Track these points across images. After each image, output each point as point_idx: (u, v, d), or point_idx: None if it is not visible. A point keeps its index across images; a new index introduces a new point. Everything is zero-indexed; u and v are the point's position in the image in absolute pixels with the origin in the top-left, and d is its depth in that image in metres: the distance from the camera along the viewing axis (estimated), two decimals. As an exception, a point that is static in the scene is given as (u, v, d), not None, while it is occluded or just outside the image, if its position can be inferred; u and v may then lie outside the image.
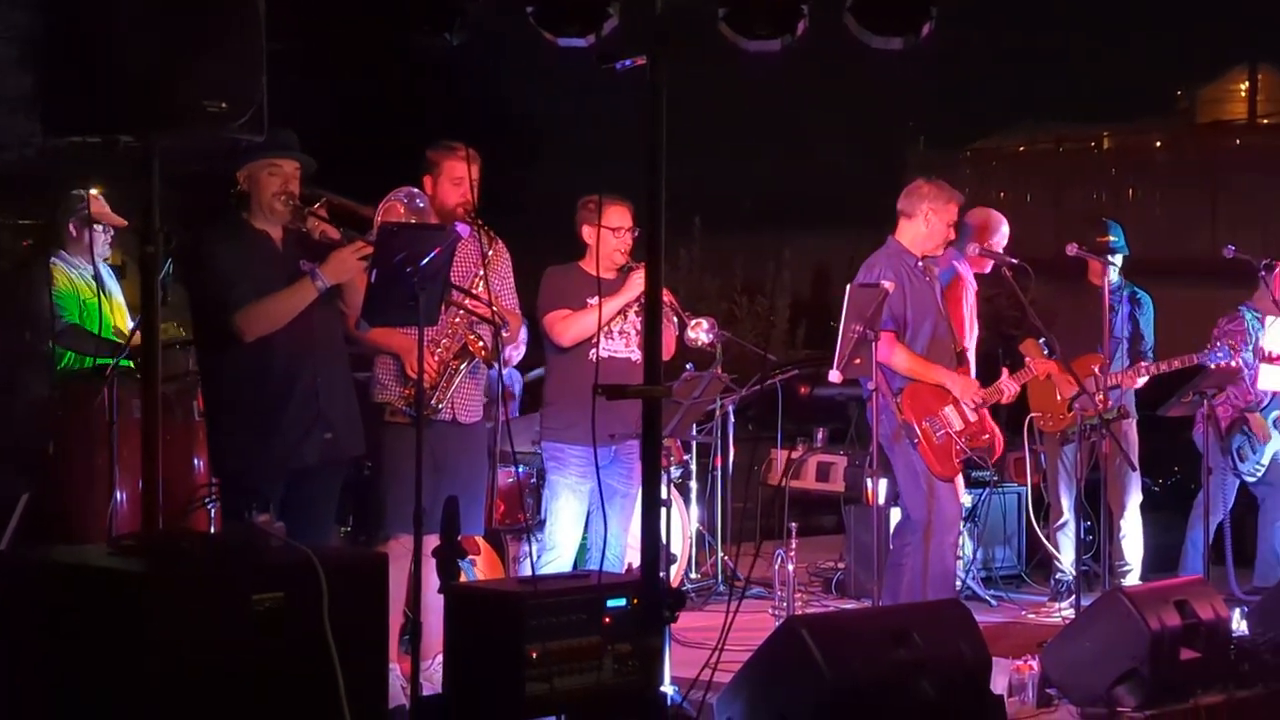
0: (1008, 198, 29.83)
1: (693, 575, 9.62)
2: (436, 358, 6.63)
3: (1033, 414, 9.14)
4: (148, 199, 4.54)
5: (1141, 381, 8.90)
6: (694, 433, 9.63)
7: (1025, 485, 9.84)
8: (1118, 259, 8.95)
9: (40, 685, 4.41)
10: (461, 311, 6.67)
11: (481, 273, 6.66)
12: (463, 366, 6.70)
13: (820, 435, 10.96)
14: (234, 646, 4.22)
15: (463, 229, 6.53)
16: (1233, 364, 8.63)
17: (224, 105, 4.51)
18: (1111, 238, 8.91)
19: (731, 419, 9.95)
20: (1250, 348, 9.39)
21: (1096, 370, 8.49)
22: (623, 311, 7.51)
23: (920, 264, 7.86)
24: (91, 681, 4.27)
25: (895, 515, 8.28)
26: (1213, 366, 8.61)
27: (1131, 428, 9.01)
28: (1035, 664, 6.64)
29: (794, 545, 8.23)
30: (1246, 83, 34.46)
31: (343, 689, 4.29)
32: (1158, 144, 31.03)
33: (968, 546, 9.48)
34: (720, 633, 5.30)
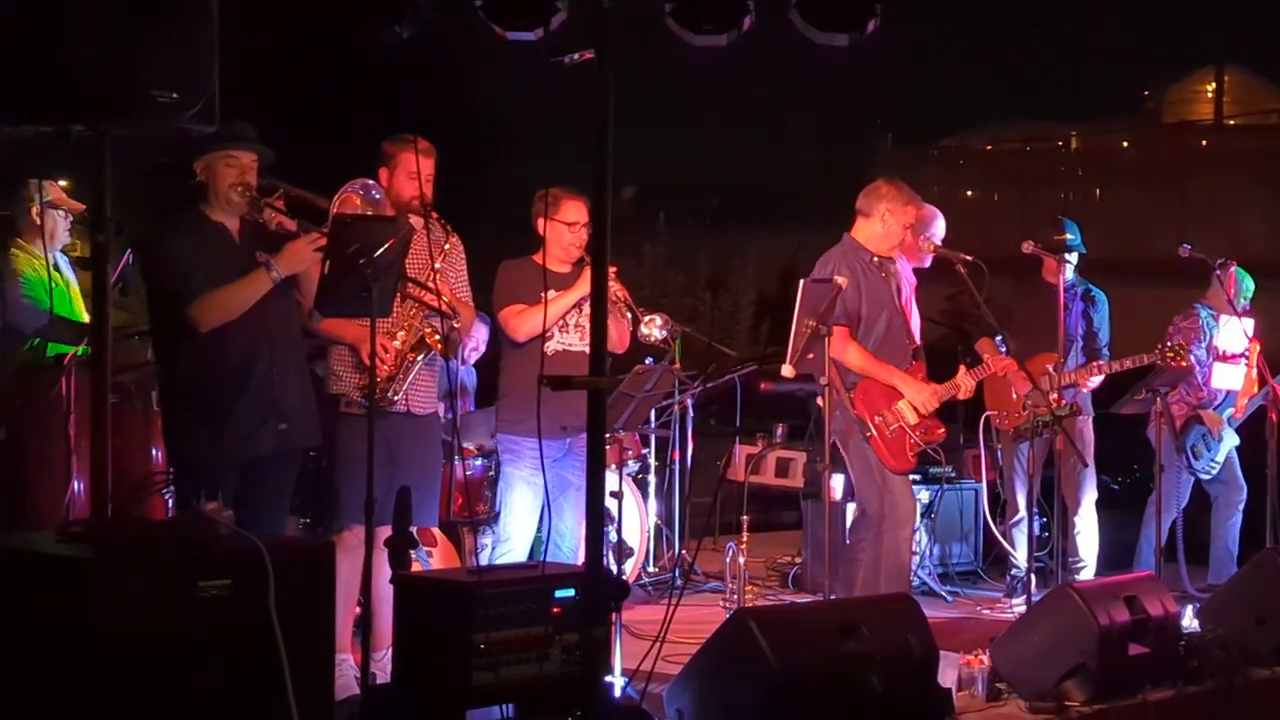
0: (975, 196, 30.00)
1: (650, 569, 9.67)
2: (393, 350, 6.65)
3: (988, 412, 9.19)
4: (99, 188, 4.56)
5: (1096, 381, 8.95)
6: (652, 426, 9.69)
7: (981, 482, 9.90)
8: (1073, 257, 9.00)
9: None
10: (416, 304, 6.69)
11: (437, 266, 6.68)
12: (419, 358, 6.72)
13: (780, 431, 10.99)
14: (180, 633, 4.24)
15: (416, 222, 6.56)
16: (1184, 363, 8.70)
17: (175, 95, 4.53)
18: (1068, 236, 8.94)
19: (691, 414, 10.01)
20: (1204, 345, 9.48)
21: (1051, 368, 8.55)
22: (578, 305, 7.54)
23: (875, 260, 7.91)
24: (39, 666, 4.30)
25: (851, 510, 8.32)
26: (1166, 365, 8.66)
27: (1087, 425, 9.06)
28: (985, 658, 6.68)
29: (745, 539, 8.28)
30: (1213, 83, 34.68)
31: (288, 676, 4.31)
32: (1125, 144, 31.23)
33: (924, 542, 9.55)
34: (662, 623, 5.34)
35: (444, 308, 6.56)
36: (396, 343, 6.66)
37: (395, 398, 6.67)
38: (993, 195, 29.72)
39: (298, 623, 4.42)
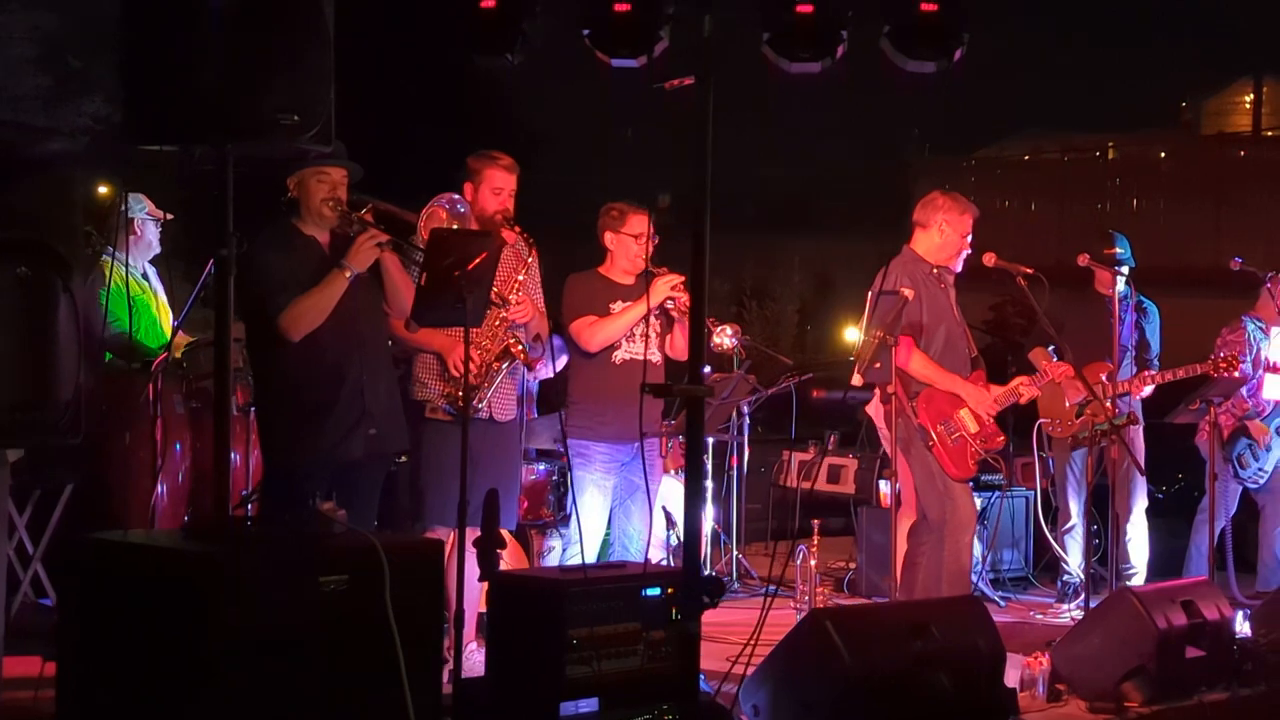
0: (1012, 206, 29.97)
1: (707, 573, 9.86)
2: (479, 358, 6.89)
3: (1041, 420, 9.38)
4: (222, 206, 4.79)
5: (1149, 390, 9.13)
6: (710, 434, 9.90)
7: (1034, 489, 10.08)
8: (1124, 269, 9.19)
9: (115, 661, 4.65)
10: (502, 315, 6.93)
11: (521, 277, 6.93)
12: (504, 367, 6.95)
13: (831, 438, 11.18)
14: (302, 626, 4.47)
15: (505, 236, 6.80)
16: (1235, 374, 8.88)
17: (296, 118, 4.76)
18: (1118, 249, 9.16)
19: (747, 421, 10.22)
20: (1251, 358, 9.65)
21: (1104, 378, 8.75)
22: (645, 317, 7.78)
23: (935, 271, 8.11)
24: (165, 658, 4.51)
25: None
26: (1219, 375, 8.84)
27: (1139, 434, 9.23)
28: (1046, 659, 6.85)
29: (815, 542, 8.47)
30: (1251, 95, 34.59)
31: (404, 668, 4.55)
32: (1162, 155, 31.08)
33: (977, 549, 9.73)
34: (755, 628, 5.53)
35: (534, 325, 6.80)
36: (481, 351, 6.90)
37: (480, 405, 6.91)
38: (1030, 205, 29.65)
39: (409, 616, 4.64)
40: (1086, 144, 31.61)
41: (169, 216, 8.15)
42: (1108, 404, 8.46)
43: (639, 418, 6.58)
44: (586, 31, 4.48)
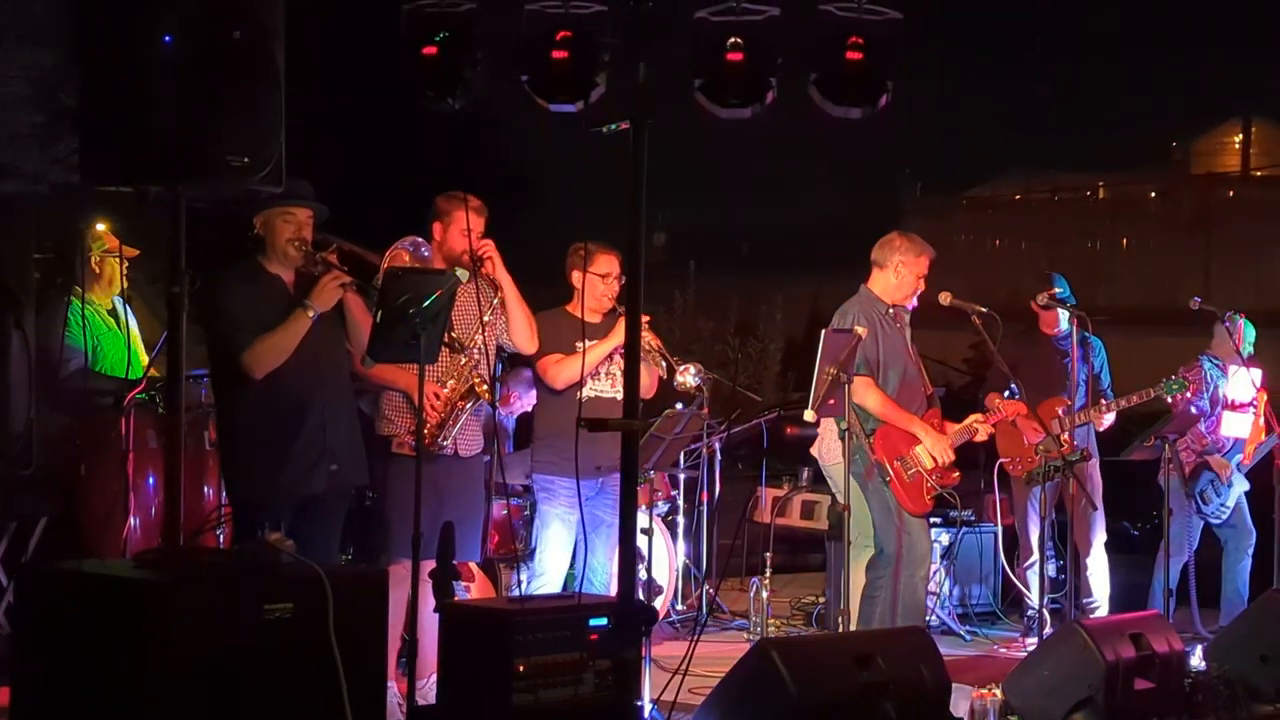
0: (1003, 245, 30.11)
1: (678, 607, 9.99)
2: (444, 398, 7.03)
3: (1001, 459, 9.54)
4: (174, 244, 4.94)
5: (1109, 419, 9.27)
6: (681, 469, 10.04)
7: (999, 525, 10.21)
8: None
9: (64, 686, 4.77)
10: (467, 355, 7.07)
11: (488, 318, 7.07)
12: (468, 406, 7.09)
13: (805, 474, 11.30)
14: (247, 652, 4.60)
15: (461, 274, 6.93)
16: (1191, 410, 9.04)
17: (246, 160, 4.92)
18: (1057, 289, 9.36)
19: (719, 457, 10.35)
20: (1208, 395, 9.81)
21: (1060, 412, 8.94)
22: (610, 355, 7.92)
23: (891, 310, 8.25)
24: (113, 684, 4.62)
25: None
26: (1172, 406, 9.00)
27: (1095, 469, 9.38)
28: (998, 692, 6.93)
29: (769, 576, 8.60)
30: (1240, 135, 34.76)
31: (346, 695, 4.67)
32: (1152, 194, 31.23)
33: (944, 583, 9.87)
34: (685, 654, 5.66)
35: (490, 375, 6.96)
36: (446, 390, 7.05)
37: (444, 442, 7.05)
38: (1020, 244, 29.80)
39: (354, 645, 4.77)
40: (1077, 183, 31.75)
41: (134, 253, 8.27)
42: (1063, 436, 8.61)
43: (575, 452, 6.59)
44: (525, 77, 4.64)
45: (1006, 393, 9.03)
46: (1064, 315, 9.37)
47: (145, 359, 8.31)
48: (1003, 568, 10.20)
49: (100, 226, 8.34)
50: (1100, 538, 9.46)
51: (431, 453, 6.84)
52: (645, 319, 7.60)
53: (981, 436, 8.63)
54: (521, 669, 5.21)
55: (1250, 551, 9.98)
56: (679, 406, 8.80)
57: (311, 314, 6.44)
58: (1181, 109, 33.84)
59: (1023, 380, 8.89)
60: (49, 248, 8.81)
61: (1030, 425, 8.98)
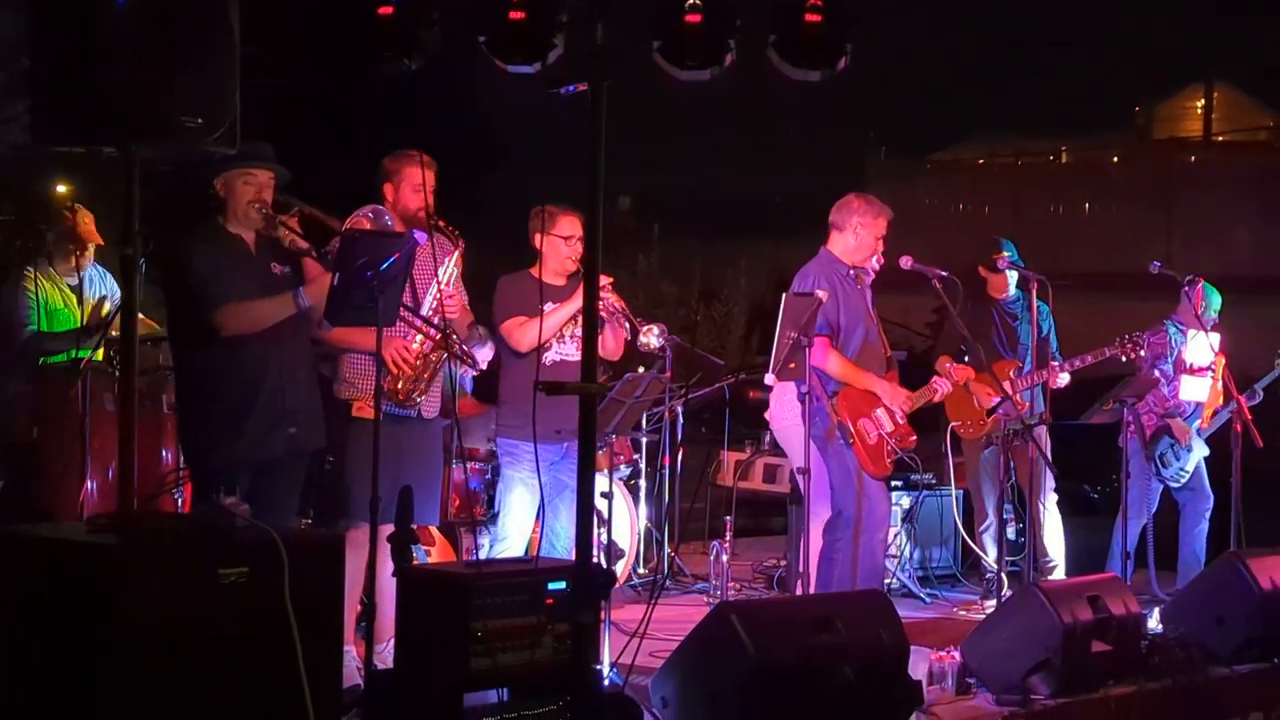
0: (967, 210, 30.22)
1: (640, 570, 10.01)
2: (415, 352, 7.00)
3: (952, 423, 9.57)
4: (128, 206, 4.90)
5: (1065, 379, 9.30)
6: (644, 433, 10.03)
7: (959, 489, 10.24)
8: (1014, 273, 9.43)
9: (18, 650, 4.75)
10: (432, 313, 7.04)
11: (442, 272, 7.02)
12: (443, 356, 7.04)
13: (767, 438, 11.31)
14: (201, 616, 4.58)
15: (420, 236, 6.90)
16: (1154, 374, 9.08)
17: (200, 120, 4.88)
18: (1006, 254, 9.39)
19: (680, 421, 10.35)
20: (1172, 360, 9.85)
21: (1013, 375, 8.99)
22: (574, 317, 7.90)
23: (851, 273, 8.26)
24: (68, 647, 4.60)
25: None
26: (1135, 369, 9.05)
27: (1043, 430, 9.42)
28: (956, 654, 6.97)
29: (729, 539, 8.61)
30: (1202, 100, 34.92)
31: (301, 657, 4.66)
32: (1115, 159, 31.39)
33: (905, 546, 9.90)
34: (642, 617, 5.66)
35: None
36: (416, 345, 7.01)
37: (419, 399, 7.02)
38: (984, 209, 29.92)
39: (310, 609, 4.76)
40: (1040, 148, 31.88)
41: (100, 242, 8.23)
42: (1018, 399, 8.66)
43: (534, 415, 6.59)
44: (483, 38, 4.61)
45: (965, 359, 9.05)
46: (1013, 280, 9.41)
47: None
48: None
49: (61, 189, 8.29)
50: (1052, 498, 9.50)
51: (398, 415, 6.81)
52: (609, 281, 7.63)
53: (940, 397, 8.65)
54: (479, 633, 5.21)
55: (1207, 515, 10.05)
56: (639, 371, 8.80)
57: (300, 303, 6.43)
58: (1145, 74, 33.96)
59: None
60: (9, 210, 8.79)
61: (983, 389, 9.00)
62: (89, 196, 8.51)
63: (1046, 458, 9.02)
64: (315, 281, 6.46)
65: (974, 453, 9.58)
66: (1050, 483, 9.46)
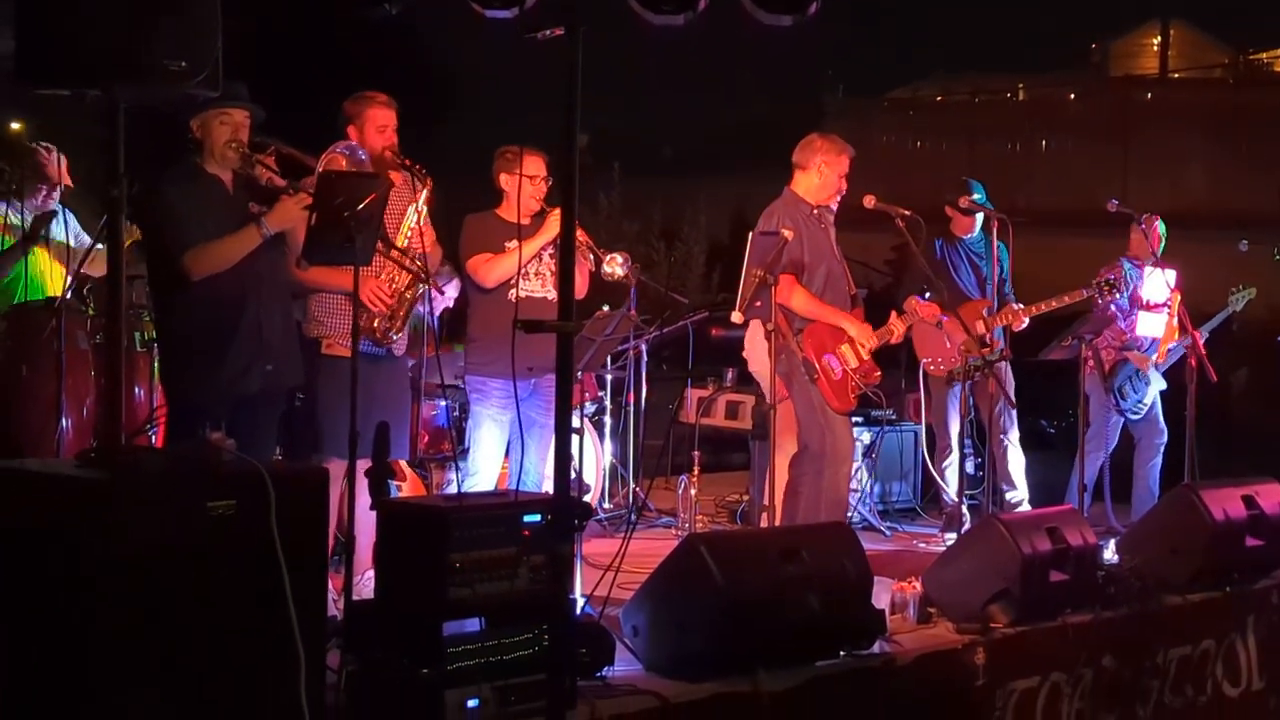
0: (924, 147, 30.30)
1: (605, 506, 10.15)
2: (390, 290, 7.11)
3: (922, 360, 9.72)
4: (113, 148, 4.97)
5: (1026, 322, 9.47)
6: (608, 370, 10.16)
7: (920, 424, 10.41)
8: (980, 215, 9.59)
9: (7, 586, 4.84)
10: (396, 250, 7.15)
11: (411, 211, 7.13)
12: (418, 293, 7.16)
13: (730, 375, 11.45)
14: (190, 549, 4.68)
15: (395, 177, 7.01)
16: (1111, 309, 9.25)
17: (183, 64, 4.96)
18: (975, 195, 9.52)
19: (645, 358, 10.48)
20: (1128, 295, 10.03)
21: (985, 314, 9.14)
22: (538, 254, 8.01)
23: (815, 211, 8.38)
24: (55, 582, 4.68)
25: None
26: (1100, 296, 9.22)
27: (1006, 367, 9.57)
28: (917, 584, 7.11)
29: (696, 473, 8.74)
30: (1159, 37, 35.04)
31: (289, 589, 4.78)
32: (1071, 96, 31.46)
33: (865, 480, 10.07)
34: (618, 551, 5.79)
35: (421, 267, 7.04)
36: (392, 284, 7.12)
37: (396, 336, 7.15)
38: (941, 146, 30.00)
39: (296, 542, 4.86)
40: (997, 85, 31.94)
41: (70, 185, 8.25)
42: (989, 338, 8.82)
43: (513, 354, 6.72)
44: (461, -17, 4.69)
45: (926, 296, 9.19)
46: (979, 221, 9.56)
47: (57, 275, 8.28)
48: (923, 464, 10.40)
49: (15, 125, 8.29)
50: (1015, 433, 9.67)
51: (369, 354, 6.93)
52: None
53: (896, 338, 8.80)
54: (458, 564, 5.32)
55: (1162, 449, 10.23)
56: (606, 308, 8.91)
57: (265, 232, 6.50)
58: (1102, 11, 34.04)
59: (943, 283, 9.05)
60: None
61: (955, 327, 9.15)
62: (45, 136, 8.50)
63: (1008, 394, 9.19)
64: (279, 208, 6.52)
65: (941, 388, 9.74)
66: (1013, 418, 9.63)
